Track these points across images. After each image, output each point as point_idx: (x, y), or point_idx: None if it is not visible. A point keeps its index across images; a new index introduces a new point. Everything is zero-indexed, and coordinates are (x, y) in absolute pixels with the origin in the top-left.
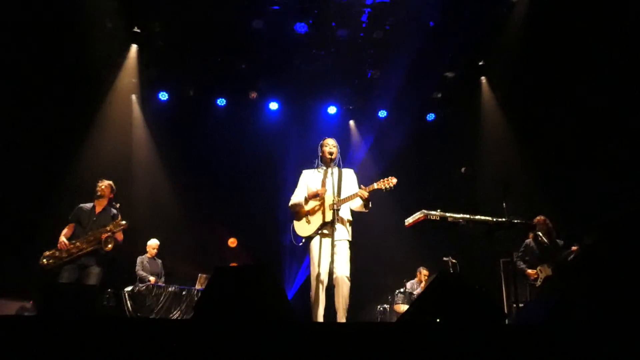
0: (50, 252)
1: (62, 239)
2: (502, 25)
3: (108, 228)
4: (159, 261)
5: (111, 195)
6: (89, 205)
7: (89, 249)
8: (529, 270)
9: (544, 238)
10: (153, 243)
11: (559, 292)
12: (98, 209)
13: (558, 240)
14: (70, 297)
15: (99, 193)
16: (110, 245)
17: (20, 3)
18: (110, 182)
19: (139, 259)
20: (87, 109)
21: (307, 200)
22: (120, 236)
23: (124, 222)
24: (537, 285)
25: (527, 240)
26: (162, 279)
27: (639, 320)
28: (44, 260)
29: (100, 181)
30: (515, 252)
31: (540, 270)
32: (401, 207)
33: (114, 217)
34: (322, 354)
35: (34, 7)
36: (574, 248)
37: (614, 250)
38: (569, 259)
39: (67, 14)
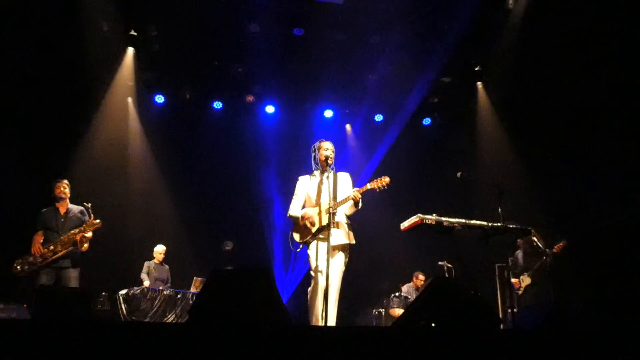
0: (23, 258)
1: (37, 244)
2: (498, 30)
3: (82, 228)
4: (166, 267)
5: (69, 194)
6: (50, 208)
7: (64, 252)
8: (513, 280)
9: (527, 247)
10: (160, 249)
11: (539, 298)
12: (62, 210)
13: (540, 251)
14: (64, 301)
15: (61, 196)
16: (86, 245)
17: (17, 6)
18: (67, 181)
19: (146, 264)
20: (83, 112)
21: (303, 218)
22: (90, 234)
23: (97, 221)
24: (520, 294)
25: (517, 252)
26: (168, 284)
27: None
28: (18, 267)
29: (59, 182)
30: (511, 258)
31: (522, 279)
32: (397, 211)
33: (83, 214)
34: (317, 357)
35: (30, 10)
36: (545, 257)
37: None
38: (545, 268)
39: (63, 17)
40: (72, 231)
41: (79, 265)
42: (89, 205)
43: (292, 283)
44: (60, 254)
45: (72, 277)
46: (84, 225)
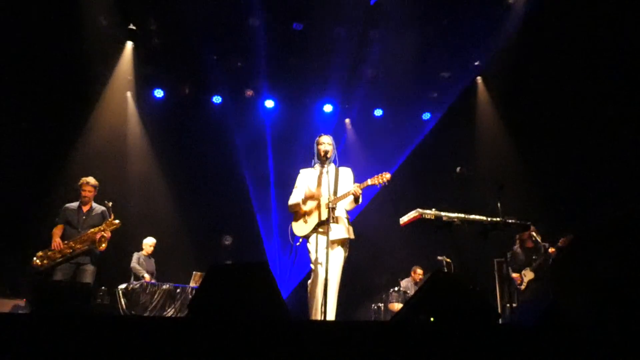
0: (43, 253)
1: (57, 239)
2: (498, 25)
3: (102, 227)
4: (153, 260)
5: (95, 193)
6: (74, 204)
7: (83, 249)
8: (514, 274)
9: (528, 242)
10: (150, 241)
11: (541, 293)
12: (85, 208)
13: (544, 244)
14: (64, 295)
15: (84, 200)
16: (104, 245)
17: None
18: (95, 181)
19: (135, 255)
20: (82, 106)
21: (304, 201)
22: (108, 233)
23: (117, 221)
24: (522, 289)
25: (514, 247)
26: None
27: (628, 320)
28: (37, 260)
29: (85, 182)
30: (509, 252)
31: (524, 274)
32: (396, 205)
33: (104, 214)
34: (316, 352)
35: (29, 4)
36: (551, 250)
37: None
38: (548, 262)
39: (62, 11)
40: (92, 230)
41: (96, 262)
42: (110, 204)
43: (293, 278)
44: (78, 251)
45: (89, 272)
46: (104, 225)
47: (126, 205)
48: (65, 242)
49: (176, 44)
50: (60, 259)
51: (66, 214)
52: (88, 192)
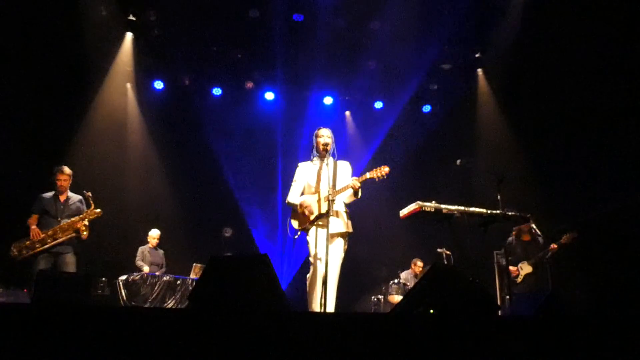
0: (22, 243)
1: (35, 229)
2: (499, 17)
3: (83, 217)
4: (161, 251)
5: (70, 182)
6: (49, 194)
7: (65, 238)
8: (511, 267)
9: (526, 235)
10: (154, 233)
11: (539, 286)
12: (62, 197)
13: (539, 238)
14: (64, 286)
15: (60, 190)
16: (86, 233)
17: None
18: (69, 170)
19: (140, 249)
20: (81, 98)
21: (301, 206)
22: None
23: (98, 210)
24: (518, 282)
25: (510, 239)
26: (164, 269)
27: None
28: (15, 251)
29: (59, 174)
30: (498, 250)
31: (520, 267)
32: (396, 198)
33: (81, 203)
34: (316, 344)
35: None
36: (553, 246)
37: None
38: (547, 256)
39: (61, 2)
40: (73, 219)
41: (76, 251)
42: (89, 194)
43: (291, 269)
44: (60, 240)
45: (70, 262)
46: (85, 214)
47: (126, 196)
48: (45, 231)
49: (176, 35)
50: (40, 248)
51: (43, 204)
52: (63, 182)
